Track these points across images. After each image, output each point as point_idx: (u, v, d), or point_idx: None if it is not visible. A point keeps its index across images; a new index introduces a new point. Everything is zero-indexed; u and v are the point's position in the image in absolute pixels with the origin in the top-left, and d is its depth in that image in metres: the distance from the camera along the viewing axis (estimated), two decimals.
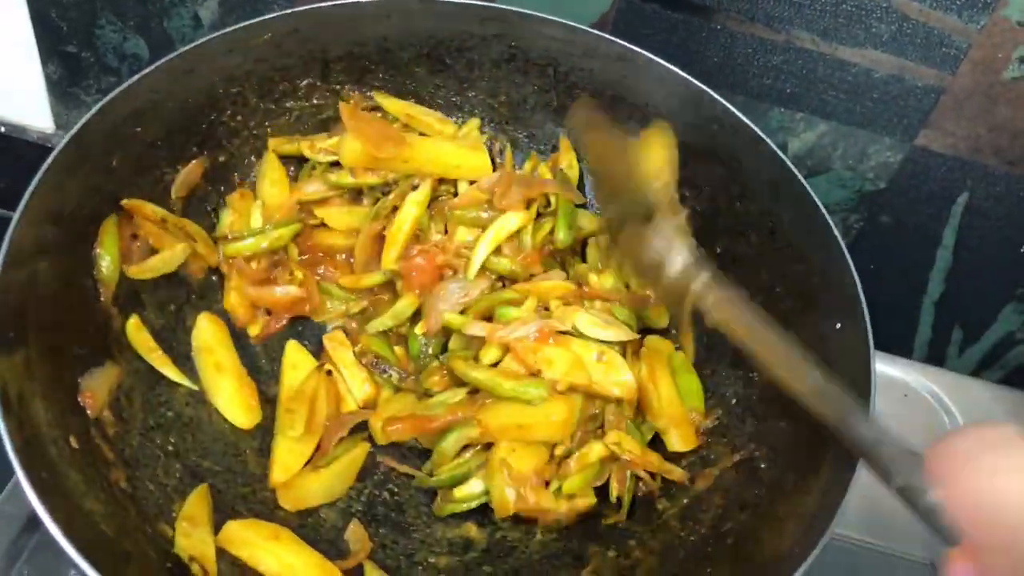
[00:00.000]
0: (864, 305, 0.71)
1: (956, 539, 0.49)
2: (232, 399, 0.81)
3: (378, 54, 0.89)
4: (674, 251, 0.70)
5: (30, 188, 0.69)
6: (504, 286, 0.86)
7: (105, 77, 1.16)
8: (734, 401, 0.81)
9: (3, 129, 1.23)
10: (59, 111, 1.22)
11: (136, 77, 0.76)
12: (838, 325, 0.73)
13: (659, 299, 0.85)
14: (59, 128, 1.23)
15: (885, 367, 1.08)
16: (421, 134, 0.91)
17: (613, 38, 0.86)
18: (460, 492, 0.78)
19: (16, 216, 0.67)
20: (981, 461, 0.49)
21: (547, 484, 0.77)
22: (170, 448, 0.75)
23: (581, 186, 0.94)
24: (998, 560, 0.48)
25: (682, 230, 0.71)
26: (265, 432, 0.81)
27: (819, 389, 0.60)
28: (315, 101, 0.91)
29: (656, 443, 0.82)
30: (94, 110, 0.73)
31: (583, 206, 0.93)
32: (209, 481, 0.75)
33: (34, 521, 0.80)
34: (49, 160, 0.71)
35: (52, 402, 0.65)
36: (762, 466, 0.73)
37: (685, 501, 0.76)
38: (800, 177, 0.80)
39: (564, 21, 0.86)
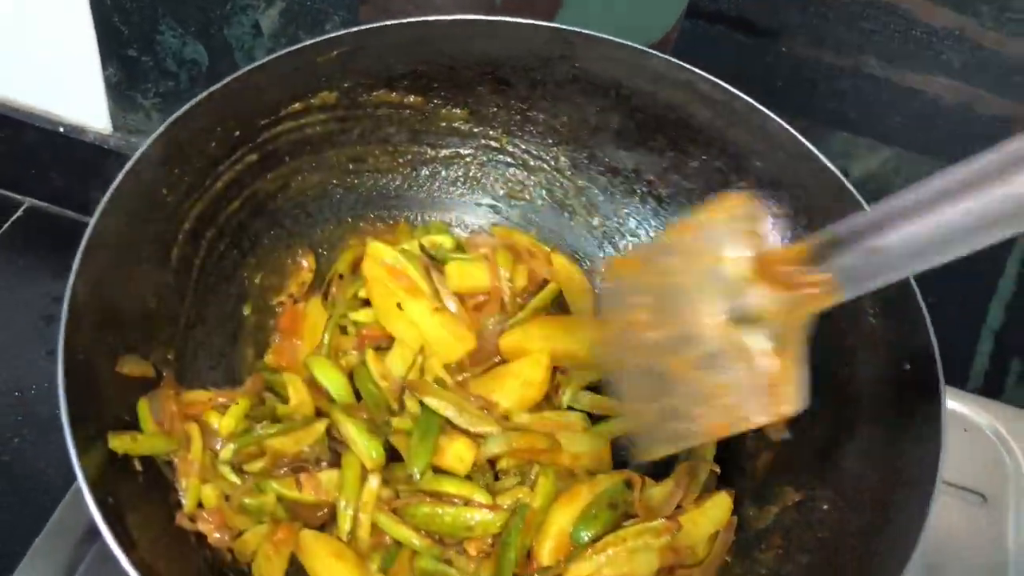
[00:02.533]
0: (936, 349, 0.69)
1: None
2: None
3: (442, 72, 0.89)
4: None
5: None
6: None
7: (164, 81, 1.17)
8: (792, 436, 0.80)
9: (62, 129, 1.24)
10: (116, 113, 1.23)
11: (209, 90, 0.76)
12: (907, 366, 0.72)
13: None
14: (116, 130, 1.24)
15: (947, 400, 1.06)
16: None
17: (678, 62, 0.85)
18: None
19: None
20: None
21: None
22: None
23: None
24: None
25: None
26: None
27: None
28: (379, 114, 0.91)
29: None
30: (168, 121, 0.74)
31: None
32: None
33: (92, 532, 0.81)
34: (122, 174, 0.70)
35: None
36: (824, 507, 0.72)
37: (744, 537, 0.75)
38: (867, 207, 0.78)
39: (629, 43, 0.85)
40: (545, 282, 0.93)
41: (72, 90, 1.21)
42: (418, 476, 0.75)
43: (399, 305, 0.84)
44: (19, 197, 1.24)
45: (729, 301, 0.59)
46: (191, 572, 0.65)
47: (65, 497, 0.83)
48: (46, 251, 1.25)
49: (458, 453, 0.76)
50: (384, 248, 0.87)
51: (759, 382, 0.59)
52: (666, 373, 0.62)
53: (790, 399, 0.59)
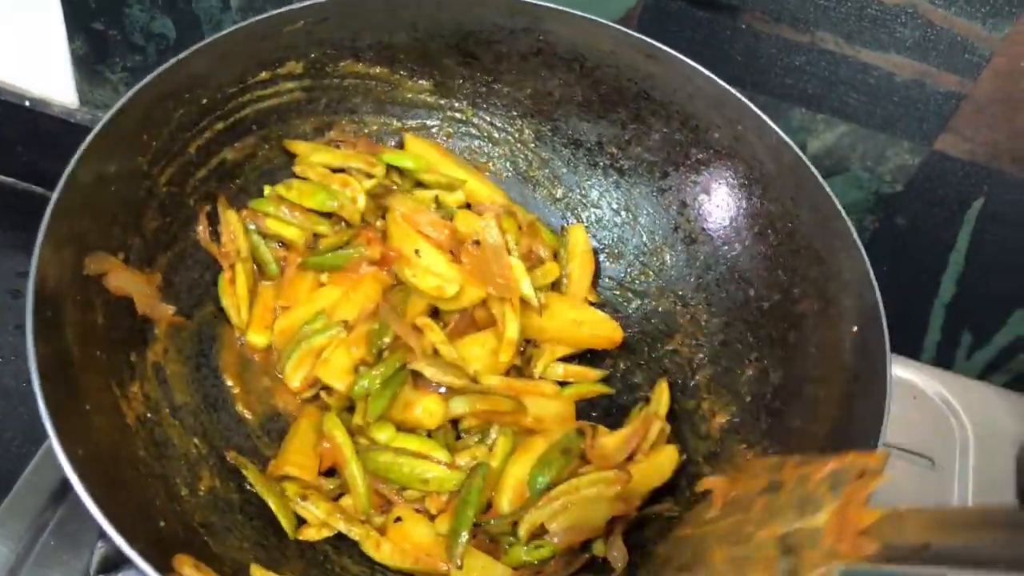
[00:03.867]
0: (883, 312, 0.72)
1: None
2: None
3: (408, 44, 0.90)
4: None
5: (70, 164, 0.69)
6: None
7: (131, 55, 1.17)
8: (748, 399, 0.82)
9: (27, 103, 1.24)
10: (83, 87, 1.22)
11: (174, 60, 0.77)
12: (855, 329, 0.74)
13: None
14: (83, 104, 1.24)
15: (896, 369, 1.09)
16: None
17: (641, 36, 0.87)
18: None
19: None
20: None
21: None
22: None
23: None
24: None
25: None
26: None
27: None
28: (345, 84, 0.92)
29: None
30: (134, 89, 0.74)
31: None
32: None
33: (61, 492, 0.82)
34: (89, 138, 0.71)
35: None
36: None
37: (694, 499, 0.78)
38: (821, 180, 0.81)
39: (592, 17, 0.87)
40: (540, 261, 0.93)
41: (38, 63, 1.21)
42: (371, 420, 0.77)
43: (417, 251, 0.86)
44: None
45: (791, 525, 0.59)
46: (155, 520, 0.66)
47: (33, 460, 0.84)
48: (11, 226, 1.26)
49: (428, 407, 0.78)
50: (404, 197, 0.90)
51: None
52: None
53: None
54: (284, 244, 0.89)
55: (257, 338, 0.84)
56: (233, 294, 0.85)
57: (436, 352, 0.82)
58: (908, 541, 0.55)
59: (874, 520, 0.56)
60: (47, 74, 1.22)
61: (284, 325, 0.85)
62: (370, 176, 0.90)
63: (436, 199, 0.93)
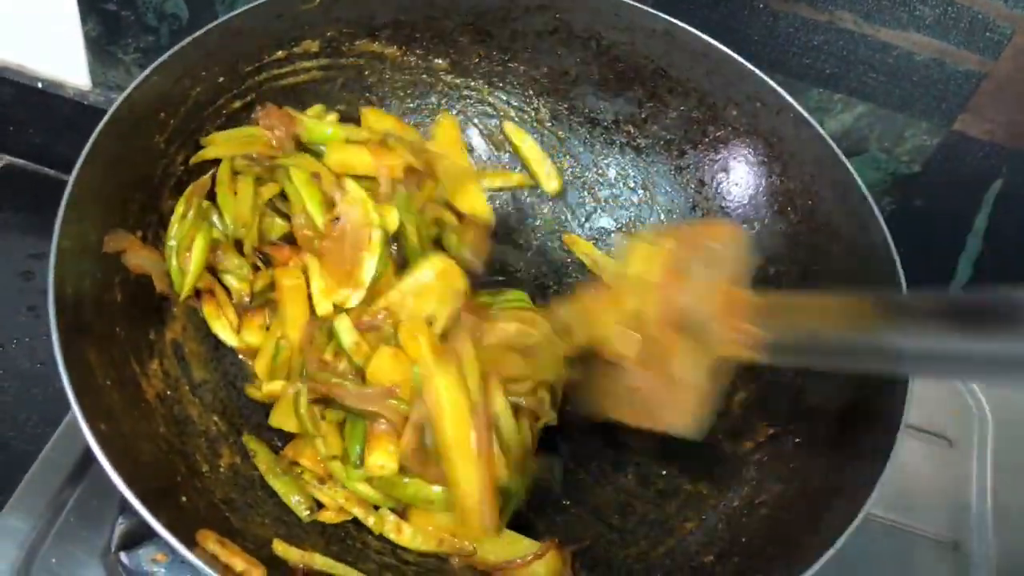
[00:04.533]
0: (904, 287, 0.72)
1: None
2: None
3: (424, 22, 0.90)
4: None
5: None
6: None
7: (144, 36, 1.16)
8: (769, 376, 0.82)
9: (40, 85, 1.23)
10: (96, 69, 1.22)
11: (190, 38, 0.76)
12: None
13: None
14: (96, 86, 1.23)
15: None
16: None
17: (657, 12, 0.87)
18: None
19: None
20: None
21: None
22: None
23: None
24: None
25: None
26: None
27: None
28: (362, 64, 0.92)
29: None
30: (149, 68, 0.74)
31: None
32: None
33: (80, 470, 0.82)
34: (107, 116, 0.71)
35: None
36: (796, 440, 0.75)
37: (719, 471, 0.78)
38: (842, 156, 0.80)
39: None
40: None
41: (51, 45, 1.20)
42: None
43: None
44: None
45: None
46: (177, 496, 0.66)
47: (51, 439, 0.84)
48: (25, 209, 1.25)
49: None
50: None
51: (666, 395, 0.65)
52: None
53: (681, 421, 0.66)
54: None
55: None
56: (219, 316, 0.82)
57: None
58: (797, 330, 0.58)
59: (760, 305, 0.59)
60: (60, 56, 1.21)
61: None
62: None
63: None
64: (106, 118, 0.71)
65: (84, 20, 1.16)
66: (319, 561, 0.69)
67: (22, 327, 1.11)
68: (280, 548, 0.68)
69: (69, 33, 1.18)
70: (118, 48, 1.19)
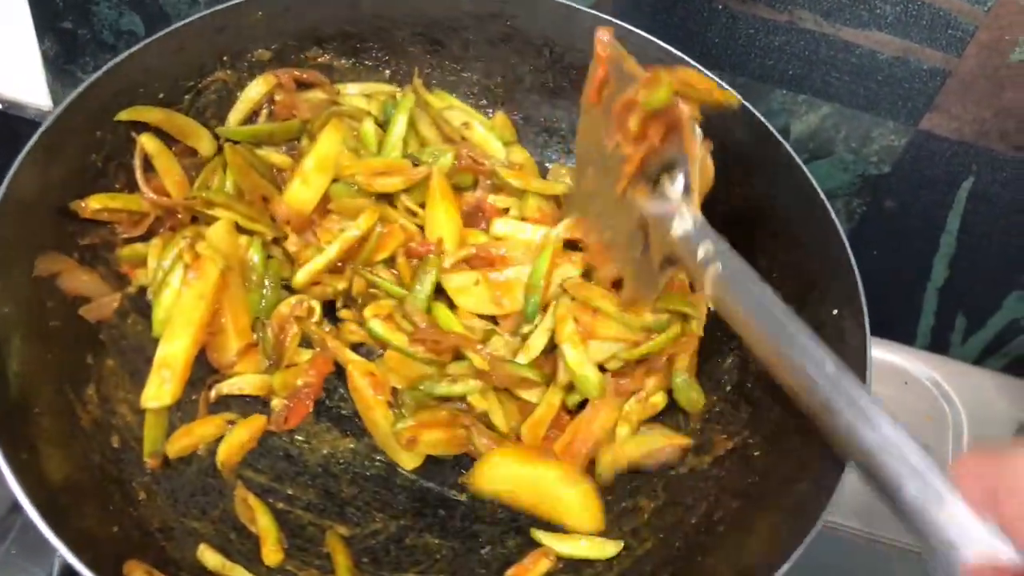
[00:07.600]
0: (862, 292, 0.70)
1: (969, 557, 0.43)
2: None
3: (372, 33, 0.88)
4: (679, 215, 0.61)
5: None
6: None
7: (101, 54, 1.15)
8: (728, 388, 0.80)
9: (1, 106, 1.22)
10: (56, 88, 1.21)
11: (126, 53, 0.75)
12: (835, 311, 0.72)
13: (633, 275, 0.73)
14: (56, 105, 1.22)
15: (886, 354, 1.06)
16: None
17: (611, 18, 0.85)
18: None
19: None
20: None
21: None
22: None
23: None
24: None
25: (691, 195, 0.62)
26: None
27: (815, 387, 0.52)
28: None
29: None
30: (84, 85, 0.72)
31: None
32: None
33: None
34: (35, 135, 0.69)
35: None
36: (755, 454, 0.73)
37: (677, 488, 0.75)
38: (800, 163, 0.78)
39: (562, 0, 0.85)
40: None
41: (9, 65, 1.19)
42: None
43: None
44: None
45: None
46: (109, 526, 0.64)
47: None
48: None
49: None
50: None
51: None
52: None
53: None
54: None
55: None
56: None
57: None
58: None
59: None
60: (19, 76, 1.20)
61: None
62: None
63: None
64: (35, 137, 0.70)
65: (40, 39, 1.15)
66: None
67: None
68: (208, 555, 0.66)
69: (27, 54, 1.16)
70: (76, 67, 1.17)
